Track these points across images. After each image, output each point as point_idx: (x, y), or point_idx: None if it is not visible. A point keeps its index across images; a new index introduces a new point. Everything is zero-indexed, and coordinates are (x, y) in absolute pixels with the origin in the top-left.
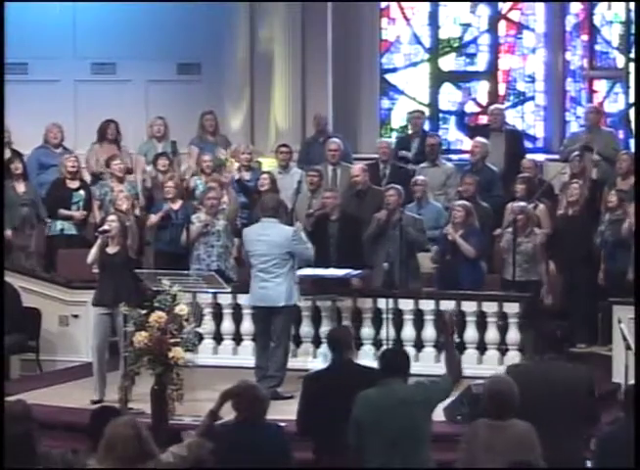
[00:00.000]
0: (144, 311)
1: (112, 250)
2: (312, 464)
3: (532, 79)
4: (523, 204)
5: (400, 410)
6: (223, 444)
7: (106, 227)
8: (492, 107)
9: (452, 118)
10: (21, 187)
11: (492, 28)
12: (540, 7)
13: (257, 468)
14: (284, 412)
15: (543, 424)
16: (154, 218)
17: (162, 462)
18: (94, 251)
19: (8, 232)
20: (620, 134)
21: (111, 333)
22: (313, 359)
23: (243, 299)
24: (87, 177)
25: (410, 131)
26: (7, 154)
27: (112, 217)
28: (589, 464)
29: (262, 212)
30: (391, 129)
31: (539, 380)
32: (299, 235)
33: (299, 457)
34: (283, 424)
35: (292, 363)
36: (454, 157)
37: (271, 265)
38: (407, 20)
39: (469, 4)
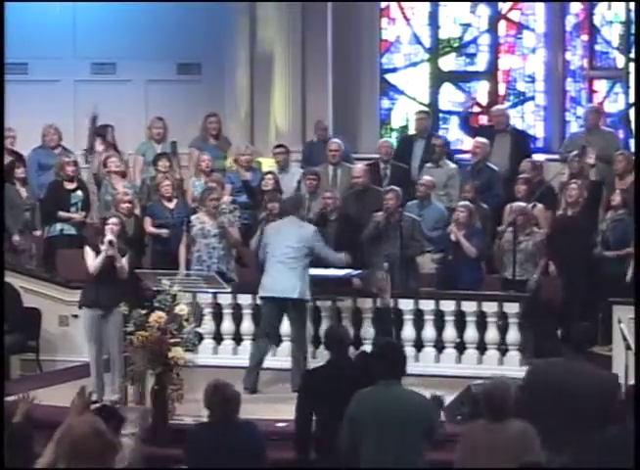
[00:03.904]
0: (144, 311)
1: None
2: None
3: (532, 79)
4: (522, 204)
5: (397, 410)
6: (197, 443)
7: (111, 237)
8: (495, 108)
9: (453, 119)
10: (23, 191)
11: (492, 28)
12: (540, 7)
13: (231, 467)
14: (285, 412)
15: (558, 425)
16: (149, 228)
17: (126, 453)
18: (99, 262)
19: (16, 237)
20: (620, 134)
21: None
22: (313, 359)
23: (243, 299)
24: (86, 179)
25: (415, 132)
26: (8, 158)
27: (113, 220)
28: None
29: (285, 211)
30: (391, 129)
31: (560, 380)
32: (319, 234)
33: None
34: (283, 424)
35: (292, 363)
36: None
37: (290, 258)
38: (407, 20)
39: (469, 4)
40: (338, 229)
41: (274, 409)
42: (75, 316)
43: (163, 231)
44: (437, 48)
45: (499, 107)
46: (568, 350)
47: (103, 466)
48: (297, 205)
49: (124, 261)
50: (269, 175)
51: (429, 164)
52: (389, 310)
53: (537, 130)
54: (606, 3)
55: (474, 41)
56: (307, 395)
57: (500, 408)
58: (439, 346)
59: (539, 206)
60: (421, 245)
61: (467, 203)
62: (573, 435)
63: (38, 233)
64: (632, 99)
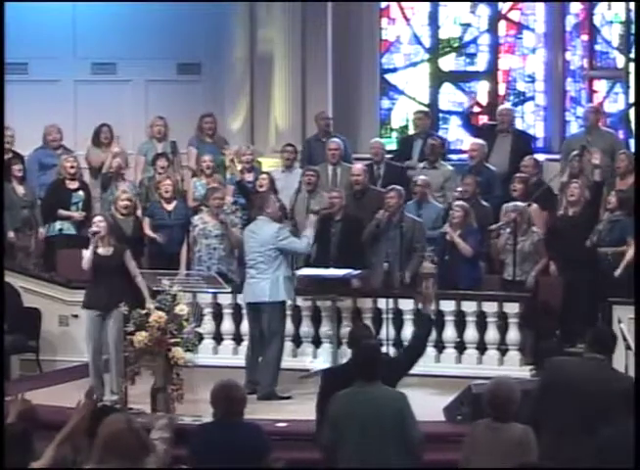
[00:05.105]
0: (144, 311)
1: (104, 251)
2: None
3: (532, 79)
4: (518, 204)
5: (377, 410)
6: (200, 443)
7: (95, 229)
8: (501, 108)
9: (453, 119)
10: (20, 189)
11: (492, 28)
12: (540, 7)
13: (235, 467)
14: (285, 412)
15: (577, 422)
16: (147, 230)
17: (160, 454)
18: (89, 256)
19: (10, 234)
20: (620, 134)
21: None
22: (313, 359)
23: (243, 299)
24: (87, 177)
25: (413, 132)
26: (7, 155)
27: (98, 218)
28: None
29: (254, 211)
30: (391, 129)
31: (581, 378)
32: (284, 231)
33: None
34: (283, 424)
35: (292, 363)
36: (454, 157)
37: (259, 262)
38: (407, 20)
39: (469, 4)
40: (341, 229)
41: (274, 409)
42: (75, 316)
43: (158, 236)
44: (437, 48)
45: (505, 106)
46: (586, 350)
47: (135, 465)
48: (262, 204)
49: (87, 255)
50: (264, 175)
51: (422, 164)
52: (429, 318)
53: (537, 130)
54: (606, 3)
55: (474, 41)
56: (327, 394)
57: (504, 410)
58: (439, 346)
59: (534, 205)
60: (422, 248)
61: (462, 202)
62: (590, 433)
63: (42, 230)
64: (632, 99)
